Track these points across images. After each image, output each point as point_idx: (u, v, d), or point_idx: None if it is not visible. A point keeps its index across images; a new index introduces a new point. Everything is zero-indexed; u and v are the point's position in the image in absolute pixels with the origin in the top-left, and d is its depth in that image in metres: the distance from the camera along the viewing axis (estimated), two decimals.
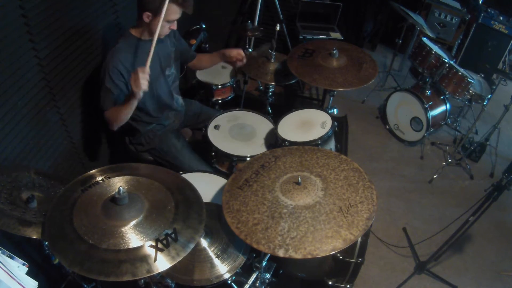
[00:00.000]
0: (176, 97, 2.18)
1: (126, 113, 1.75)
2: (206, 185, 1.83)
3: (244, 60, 2.20)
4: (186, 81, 2.98)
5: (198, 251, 1.43)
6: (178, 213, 1.29)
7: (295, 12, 3.63)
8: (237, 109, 2.39)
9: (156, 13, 1.68)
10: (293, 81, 2.56)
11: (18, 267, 1.08)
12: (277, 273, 1.73)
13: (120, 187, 1.21)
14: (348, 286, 1.83)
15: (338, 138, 2.63)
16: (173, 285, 1.41)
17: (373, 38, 4.62)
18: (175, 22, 1.79)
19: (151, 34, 1.80)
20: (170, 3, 1.65)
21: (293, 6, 3.65)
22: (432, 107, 3.10)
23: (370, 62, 2.30)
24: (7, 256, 1.08)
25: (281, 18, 3.44)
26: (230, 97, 2.70)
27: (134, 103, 1.70)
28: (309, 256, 1.16)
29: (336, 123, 2.14)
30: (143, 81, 1.58)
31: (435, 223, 2.66)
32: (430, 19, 4.03)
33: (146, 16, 1.72)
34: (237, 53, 2.17)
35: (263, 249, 1.19)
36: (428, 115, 3.05)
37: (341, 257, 1.71)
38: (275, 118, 2.27)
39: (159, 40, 1.90)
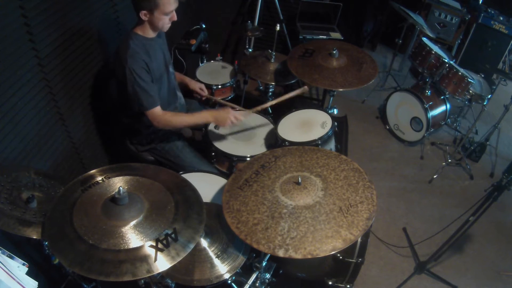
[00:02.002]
0: (179, 95, 2.19)
1: (188, 126, 2.03)
2: (206, 185, 1.83)
3: (204, 93, 2.38)
4: None
5: (198, 251, 1.43)
6: (178, 213, 1.29)
7: (295, 12, 3.63)
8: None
9: (152, 9, 1.70)
10: (293, 81, 2.56)
11: (18, 267, 1.08)
12: (277, 273, 1.73)
13: (120, 187, 1.21)
14: (348, 286, 1.83)
15: (338, 138, 2.63)
16: (173, 285, 1.41)
17: (373, 38, 4.62)
18: (174, 13, 1.79)
19: (155, 30, 1.83)
20: None
21: (293, 6, 3.65)
22: (432, 107, 3.10)
23: (370, 62, 2.30)
24: (7, 256, 1.08)
25: (281, 18, 3.44)
26: (230, 97, 2.69)
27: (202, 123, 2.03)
28: (309, 256, 1.16)
29: (336, 123, 2.14)
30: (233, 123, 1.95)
31: (435, 223, 2.66)
32: (430, 19, 4.02)
33: (144, 15, 1.73)
34: (199, 88, 2.36)
35: (263, 249, 1.19)
36: (428, 115, 3.05)
37: (341, 257, 1.71)
38: (275, 118, 2.27)
39: (160, 36, 1.91)
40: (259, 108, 2.09)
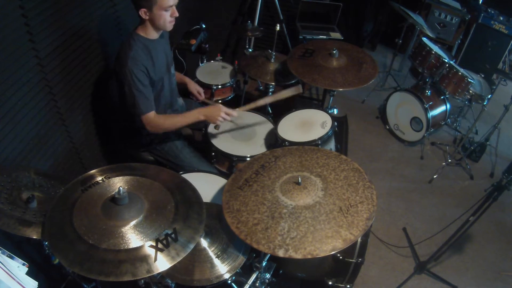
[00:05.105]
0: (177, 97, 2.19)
1: (182, 126, 1.94)
2: (206, 185, 1.83)
3: (201, 97, 2.42)
4: None
5: (198, 251, 1.43)
6: (178, 213, 1.29)
7: (295, 12, 3.63)
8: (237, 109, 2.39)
9: (151, 6, 1.68)
10: (293, 81, 2.56)
11: (18, 267, 1.08)
12: (277, 273, 1.73)
13: (120, 187, 1.21)
14: (348, 286, 1.83)
15: (338, 138, 2.63)
16: (173, 285, 1.41)
17: (373, 38, 4.62)
18: (174, 8, 1.74)
19: (157, 29, 1.81)
20: None
21: (293, 6, 3.65)
22: (432, 107, 3.10)
23: (370, 62, 2.30)
24: (7, 256, 1.08)
25: (281, 18, 3.44)
26: (230, 97, 2.70)
27: (193, 122, 1.91)
28: (309, 256, 1.16)
29: (336, 123, 2.14)
30: (224, 119, 1.91)
31: (435, 223, 2.66)
32: (430, 19, 4.03)
33: (143, 13, 1.71)
34: (197, 92, 2.38)
35: (263, 249, 1.19)
36: (428, 115, 3.05)
37: (341, 257, 1.71)
38: (275, 118, 2.27)
39: (163, 36, 1.90)
40: (247, 107, 2.03)
